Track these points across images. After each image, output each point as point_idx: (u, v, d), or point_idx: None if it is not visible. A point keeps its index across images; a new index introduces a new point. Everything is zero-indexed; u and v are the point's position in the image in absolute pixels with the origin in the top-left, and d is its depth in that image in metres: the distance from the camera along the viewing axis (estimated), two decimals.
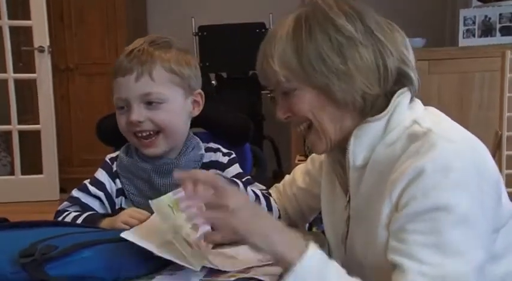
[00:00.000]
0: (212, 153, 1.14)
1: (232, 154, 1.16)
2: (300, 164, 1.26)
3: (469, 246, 0.76)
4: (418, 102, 0.92)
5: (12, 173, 3.80)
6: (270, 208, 1.08)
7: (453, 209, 0.76)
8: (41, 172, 3.71)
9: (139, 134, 1.06)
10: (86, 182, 1.13)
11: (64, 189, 3.65)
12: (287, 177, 1.26)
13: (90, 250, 0.78)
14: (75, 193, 1.11)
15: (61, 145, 3.79)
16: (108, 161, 1.16)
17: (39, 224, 0.92)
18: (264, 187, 1.14)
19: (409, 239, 0.78)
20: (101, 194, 1.10)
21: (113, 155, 1.17)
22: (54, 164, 3.70)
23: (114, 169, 1.14)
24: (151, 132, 1.05)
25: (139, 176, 1.10)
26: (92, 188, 1.11)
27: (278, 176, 3.08)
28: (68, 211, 1.09)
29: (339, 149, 0.96)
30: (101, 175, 1.13)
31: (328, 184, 1.05)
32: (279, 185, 1.26)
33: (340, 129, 0.90)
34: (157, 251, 0.79)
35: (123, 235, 0.80)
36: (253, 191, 1.07)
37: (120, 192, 1.13)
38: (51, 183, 3.68)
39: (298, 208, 1.20)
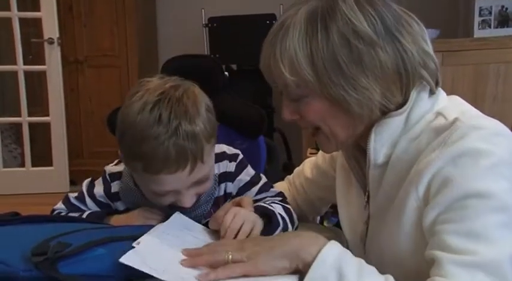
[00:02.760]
0: (219, 163, 1.01)
1: (238, 155, 1.04)
2: (311, 157, 1.24)
3: (502, 233, 0.72)
4: (440, 92, 0.87)
5: (22, 164, 3.82)
6: (292, 222, 0.99)
7: (484, 195, 0.73)
8: (50, 164, 3.72)
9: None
10: (84, 191, 1.02)
11: (74, 181, 3.66)
12: (297, 169, 1.25)
13: (104, 247, 0.75)
14: (74, 201, 1.02)
15: (71, 137, 3.79)
16: (108, 178, 1.01)
17: (51, 220, 0.90)
18: (279, 191, 1.05)
19: (440, 230, 0.75)
20: (98, 210, 1.01)
21: (113, 170, 1.01)
22: (63, 156, 3.71)
23: (114, 190, 1.00)
24: None
25: None
26: (90, 203, 1.01)
27: (288, 169, 3.04)
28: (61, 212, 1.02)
29: (355, 145, 0.93)
30: (99, 193, 1.01)
31: (344, 181, 1.02)
32: (290, 177, 1.25)
33: (353, 133, 0.86)
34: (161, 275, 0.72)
35: (123, 260, 0.72)
36: (279, 214, 0.95)
37: (122, 213, 1.00)
38: (61, 175, 3.69)
39: (307, 198, 1.19)
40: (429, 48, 0.84)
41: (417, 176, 0.79)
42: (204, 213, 0.98)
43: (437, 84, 0.86)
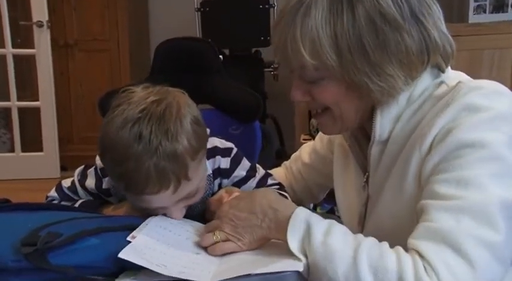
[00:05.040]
0: (212, 159, 0.97)
1: (232, 149, 0.99)
2: (304, 143, 1.23)
3: (492, 181, 0.70)
4: (447, 69, 0.85)
5: (12, 150, 3.77)
6: None
7: (478, 145, 0.72)
8: (41, 150, 3.68)
9: None
10: (76, 182, 1.00)
11: (64, 167, 3.63)
12: (294, 154, 1.23)
13: (97, 237, 0.73)
14: (67, 190, 1.00)
15: (61, 122, 3.75)
16: (100, 173, 0.97)
17: (42, 208, 0.88)
18: (277, 182, 1.04)
19: (432, 180, 0.74)
20: (90, 198, 1.00)
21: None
22: (54, 142, 3.67)
23: (106, 186, 0.97)
24: None
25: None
26: (81, 193, 1.00)
27: (281, 156, 3.02)
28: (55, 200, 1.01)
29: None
30: (90, 186, 0.98)
31: (342, 163, 1.01)
32: (287, 162, 1.23)
33: (362, 117, 0.85)
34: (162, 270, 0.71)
35: (122, 255, 0.70)
36: None
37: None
38: (51, 160, 3.66)
39: (304, 185, 1.17)
40: (445, 30, 0.82)
41: (420, 138, 0.78)
42: (200, 213, 0.96)
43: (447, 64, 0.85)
